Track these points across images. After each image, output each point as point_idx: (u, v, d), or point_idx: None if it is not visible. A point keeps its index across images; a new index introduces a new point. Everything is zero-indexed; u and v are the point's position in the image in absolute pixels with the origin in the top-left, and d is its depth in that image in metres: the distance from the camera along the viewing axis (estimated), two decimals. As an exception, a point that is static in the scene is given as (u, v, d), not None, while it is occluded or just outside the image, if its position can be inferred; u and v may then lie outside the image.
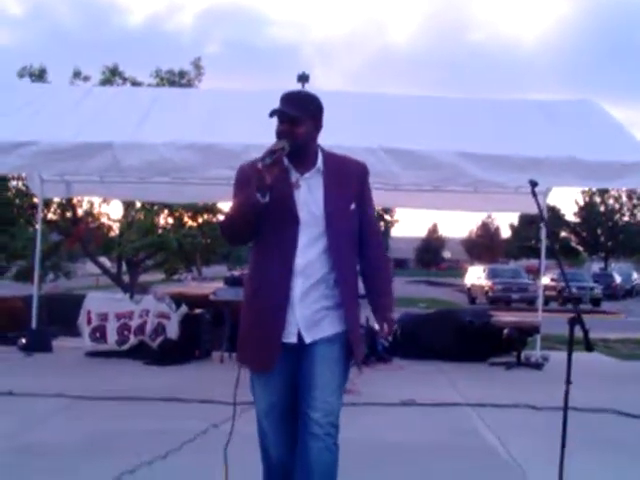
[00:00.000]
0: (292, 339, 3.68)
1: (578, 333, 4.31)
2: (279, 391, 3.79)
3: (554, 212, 59.72)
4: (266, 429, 3.87)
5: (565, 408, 4.35)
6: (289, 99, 3.73)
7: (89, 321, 10.81)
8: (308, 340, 3.68)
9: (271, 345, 3.68)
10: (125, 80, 17.97)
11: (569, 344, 4.34)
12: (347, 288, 3.73)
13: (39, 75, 17.21)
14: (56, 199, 16.26)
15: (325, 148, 3.87)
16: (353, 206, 3.76)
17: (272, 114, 3.67)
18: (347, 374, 3.83)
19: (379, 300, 3.88)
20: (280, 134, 3.66)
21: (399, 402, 7.62)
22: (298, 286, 3.66)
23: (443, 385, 8.87)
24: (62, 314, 12.66)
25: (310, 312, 3.69)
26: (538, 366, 10.39)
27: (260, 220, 3.61)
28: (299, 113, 3.67)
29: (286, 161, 3.68)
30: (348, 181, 3.79)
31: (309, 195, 3.70)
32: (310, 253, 3.67)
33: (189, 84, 18.25)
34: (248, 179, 3.63)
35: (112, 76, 17.87)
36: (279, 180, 3.58)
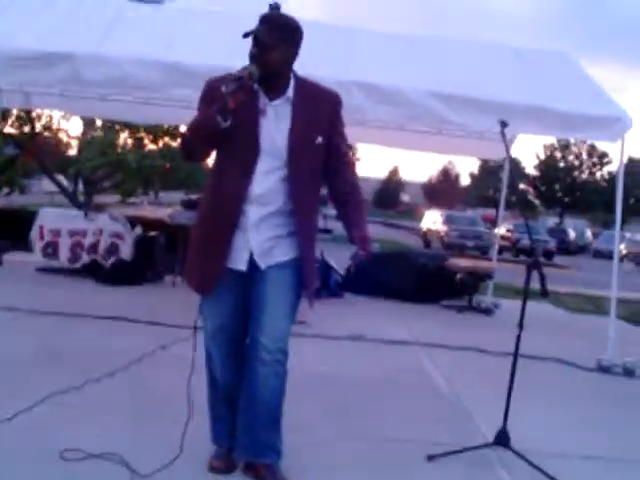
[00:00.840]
0: (242, 266, 3.67)
1: (533, 284, 4.34)
2: (227, 314, 3.78)
3: (515, 164, 60.10)
4: (213, 352, 3.87)
5: (515, 352, 4.38)
6: (266, 22, 3.56)
7: (41, 236, 10.64)
8: (263, 266, 3.66)
9: (213, 267, 3.68)
10: (92, -7, 17.46)
11: (524, 289, 4.36)
12: (302, 218, 3.68)
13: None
14: (14, 111, 15.89)
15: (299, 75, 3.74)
16: (320, 139, 3.66)
17: (245, 36, 3.52)
18: (298, 302, 3.80)
19: (353, 221, 3.81)
20: (251, 58, 3.52)
21: (348, 336, 7.64)
22: (253, 213, 3.61)
23: (394, 323, 8.90)
24: (15, 229, 12.48)
25: (264, 239, 3.66)
26: (489, 312, 10.51)
27: (220, 142, 3.55)
28: (273, 39, 3.51)
29: (256, 85, 3.55)
30: (318, 112, 3.68)
31: (275, 124, 3.60)
32: (268, 182, 3.59)
33: (157, 1, 17.79)
34: (213, 95, 3.52)
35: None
36: (245, 104, 3.49)
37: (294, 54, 3.64)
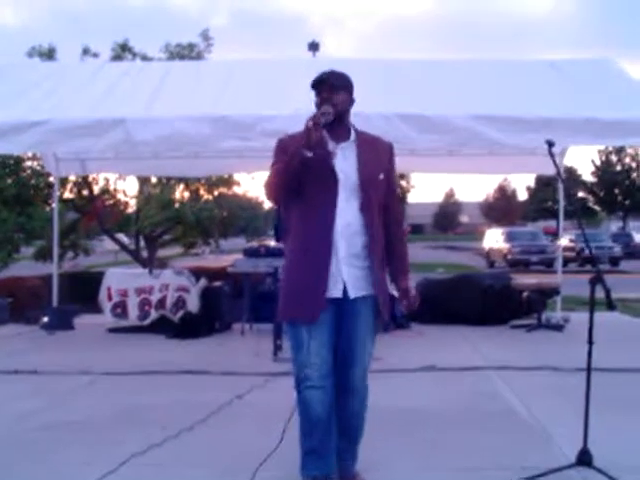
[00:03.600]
0: (338, 294, 4.02)
1: (599, 293, 4.31)
2: (323, 342, 4.03)
3: (571, 173, 59.38)
4: (306, 384, 4.06)
5: (588, 368, 4.35)
6: (327, 73, 4.11)
7: (109, 297, 10.87)
8: (352, 295, 4.03)
9: (317, 298, 3.97)
10: (135, 55, 17.83)
11: (590, 304, 4.33)
12: (375, 250, 4.06)
13: (48, 54, 17.08)
14: (72, 177, 16.27)
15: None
16: (382, 176, 4.12)
17: (317, 82, 4.06)
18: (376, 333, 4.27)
19: (398, 270, 4.25)
20: (323, 101, 3.99)
21: (420, 367, 7.62)
22: (342, 243, 3.99)
23: (464, 349, 8.87)
24: (82, 291, 12.76)
25: (354, 269, 4.03)
26: (559, 328, 10.37)
27: (302, 179, 3.95)
28: (339, 82, 4.08)
29: (325, 133, 4.00)
30: (378, 155, 4.17)
31: (344, 162, 4.03)
32: (348, 213, 4.00)
33: (199, 57, 18.12)
34: (286, 148, 4.02)
35: (122, 52, 17.75)
36: (319, 146, 3.93)
37: (352, 101, 4.17)
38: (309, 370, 4.03)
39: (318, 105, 4.02)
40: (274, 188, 4.08)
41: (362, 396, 4.23)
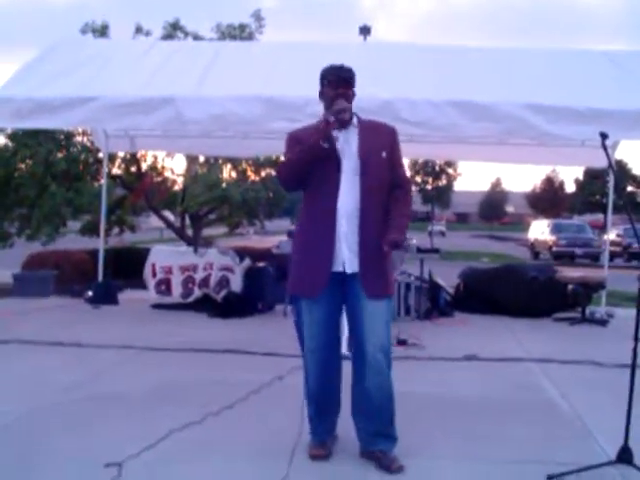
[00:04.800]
0: (339, 268, 4.27)
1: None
2: (326, 317, 4.34)
3: (620, 166, 58.53)
4: (310, 360, 4.42)
5: (633, 365, 4.29)
6: (340, 67, 4.42)
7: (154, 274, 10.99)
8: (349, 271, 4.27)
9: (321, 272, 4.26)
10: (187, 35, 17.86)
11: (638, 300, 4.26)
12: (365, 229, 4.25)
13: (101, 31, 17.17)
14: (120, 154, 16.40)
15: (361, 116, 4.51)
16: (384, 154, 4.34)
17: (337, 78, 4.36)
18: (390, 306, 4.44)
19: (394, 225, 4.28)
20: (339, 97, 4.32)
21: (462, 357, 7.59)
22: (343, 224, 4.24)
23: (506, 340, 8.81)
24: (127, 267, 12.90)
25: (355, 246, 4.26)
26: (603, 322, 10.26)
27: (311, 167, 4.24)
28: (353, 79, 4.43)
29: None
30: (379, 137, 4.42)
31: (346, 145, 4.32)
32: (351, 194, 4.25)
33: (250, 37, 18.11)
34: (298, 141, 4.34)
35: (173, 31, 17.79)
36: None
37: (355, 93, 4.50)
38: (305, 343, 4.42)
39: (332, 99, 4.32)
40: (290, 177, 4.39)
41: (378, 373, 4.25)
